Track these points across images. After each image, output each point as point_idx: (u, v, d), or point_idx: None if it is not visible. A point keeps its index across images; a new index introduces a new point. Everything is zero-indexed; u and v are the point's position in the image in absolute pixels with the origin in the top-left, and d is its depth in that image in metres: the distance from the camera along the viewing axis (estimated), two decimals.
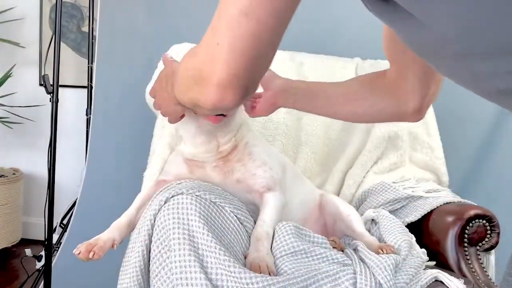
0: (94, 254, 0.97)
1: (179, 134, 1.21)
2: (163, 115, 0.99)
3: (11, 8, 2.50)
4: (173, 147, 1.33)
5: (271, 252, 1.00)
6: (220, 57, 0.57)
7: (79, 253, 0.97)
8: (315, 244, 1.05)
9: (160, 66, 1.52)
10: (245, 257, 0.98)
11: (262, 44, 0.57)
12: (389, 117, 0.96)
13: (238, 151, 1.15)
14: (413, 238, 1.20)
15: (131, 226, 1.09)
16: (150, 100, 1.56)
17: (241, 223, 1.05)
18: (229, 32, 0.56)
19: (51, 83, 1.74)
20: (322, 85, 1.00)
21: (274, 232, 1.05)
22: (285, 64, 1.68)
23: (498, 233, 1.21)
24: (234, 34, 0.56)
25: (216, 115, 1.04)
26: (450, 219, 1.23)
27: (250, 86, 0.62)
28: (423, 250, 1.18)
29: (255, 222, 1.08)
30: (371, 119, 1.07)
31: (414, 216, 1.30)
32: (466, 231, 1.19)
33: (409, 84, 0.85)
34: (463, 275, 1.16)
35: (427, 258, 1.17)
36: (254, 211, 1.13)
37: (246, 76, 0.59)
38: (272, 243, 1.02)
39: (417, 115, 0.89)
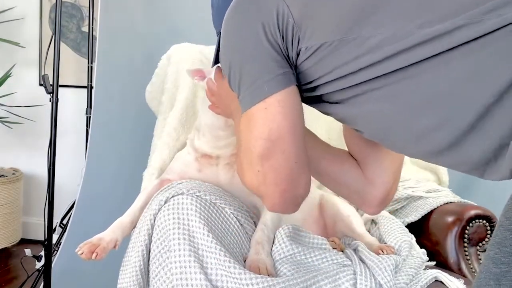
0: (96, 255, 0.97)
1: (199, 128, 1.17)
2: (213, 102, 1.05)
3: (11, 8, 2.50)
4: (172, 147, 1.32)
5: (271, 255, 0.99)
6: (266, 186, 0.73)
7: (82, 253, 0.97)
8: (315, 245, 1.05)
9: (161, 66, 1.52)
10: (245, 260, 0.97)
11: (292, 156, 0.71)
12: (351, 197, 0.98)
13: None
14: (413, 239, 1.20)
15: (133, 225, 1.08)
16: (150, 100, 1.57)
17: (241, 224, 1.05)
18: (264, 164, 0.71)
19: (51, 83, 1.74)
20: (313, 141, 0.97)
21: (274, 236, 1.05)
22: None
23: None
24: (269, 164, 0.71)
25: None
26: (450, 219, 1.22)
27: (301, 193, 0.75)
28: (423, 250, 1.18)
29: (255, 224, 1.08)
30: (336, 189, 1.05)
31: (414, 216, 1.30)
32: (466, 231, 1.19)
33: (373, 176, 0.90)
34: (463, 275, 1.15)
35: (427, 258, 1.17)
36: (257, 214, 1.13)
37: (293, 191, 0.73)
38: (272, 246, 1.02)
39: (375, 207, 0.92)
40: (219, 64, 1.11)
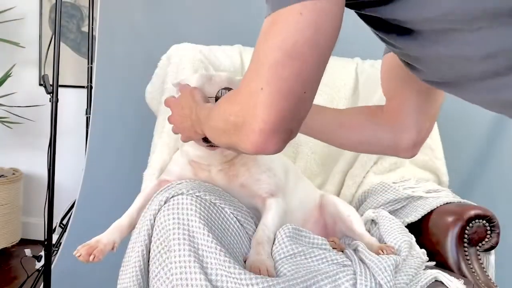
0: (94, 258, 0.97)
1: None
2: (176, 133, 1.01)
3: (11, 8, 2.50)
4: (172, 147, 1.32)
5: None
6: (265, 102, 0.57)
7: (79, 255, 0.97)
8: (315, 245, 1.05)
9: (161, 66, 1.52)
10: (245, 261, 0.97)
11: (307, 82, 0.57)
12: (384, 150, 0.97)
13: (243, 155, 1.14)
14: (413, 239, 1.20)
15: (131, 227, 1.09)
16: (150, 100, 1.57)
17: (241, 224, 1.05)
18: (274, 76, 0.56)
19: (51, 83, 1.74)
20: (321, 108, 0.97)
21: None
22: None
23: (498, 233, 1.20)
24: (279, 77, 0.56)
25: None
26: (450, 219, 1.22)
27: (294, 128, 0.61)
28: (423, 250, 1.18)
29: (255, 224, 1.08)
30: (366, 149, 1.05)
31: (414, 217, 1.30)
32: (466, 231, 1.19)
33: (405, 120, 0.87)
34: (463, 275, 1.15)
35: (427, 258, 1.17)
36: (256, 215, 1.13)
37: (292, 118, 0.59)
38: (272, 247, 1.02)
39: (411, 150, 0.90)
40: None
